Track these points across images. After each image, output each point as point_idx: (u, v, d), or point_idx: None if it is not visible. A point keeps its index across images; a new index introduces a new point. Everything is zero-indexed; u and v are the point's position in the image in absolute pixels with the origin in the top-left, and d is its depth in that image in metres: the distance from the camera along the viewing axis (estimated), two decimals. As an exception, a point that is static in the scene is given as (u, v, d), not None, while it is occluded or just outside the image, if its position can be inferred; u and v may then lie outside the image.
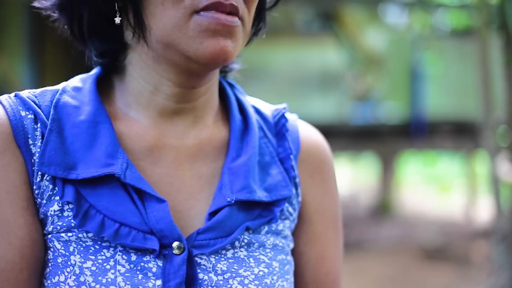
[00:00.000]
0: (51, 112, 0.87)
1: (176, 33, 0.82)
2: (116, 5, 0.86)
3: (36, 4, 0.92)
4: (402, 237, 7.68)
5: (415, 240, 7.39)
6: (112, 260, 0.83)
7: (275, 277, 0.89)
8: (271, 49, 8.18)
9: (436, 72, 8.81)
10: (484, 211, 8.10)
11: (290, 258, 0.94)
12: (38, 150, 0.85)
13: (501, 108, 4.93)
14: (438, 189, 12.25)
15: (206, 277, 0.85)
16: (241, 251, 0.88)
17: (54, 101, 0.88)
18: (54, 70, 7.28)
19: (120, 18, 0.86)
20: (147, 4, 0.83)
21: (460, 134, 8.62)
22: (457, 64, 8.69)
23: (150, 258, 0.84)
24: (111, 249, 0.83)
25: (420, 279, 5.99)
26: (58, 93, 0.90)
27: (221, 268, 0.86)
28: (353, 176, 12.27)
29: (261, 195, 0.90)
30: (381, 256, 6.77)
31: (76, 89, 0.91)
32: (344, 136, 8.09)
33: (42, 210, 0.85)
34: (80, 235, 0.83)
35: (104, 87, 0.93)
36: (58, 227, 0.84)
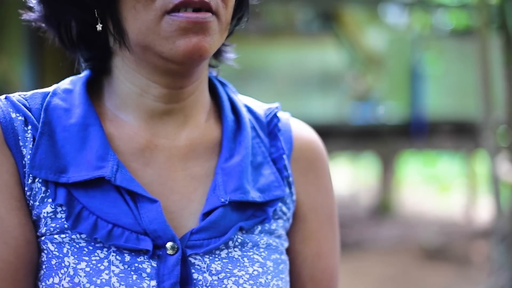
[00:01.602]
0: (42, 115, 0.87)
1: (150, 35, 0.83)
2: (96, 13, 0.86)
3: (25, 17, 0.93)
4: (402, 237, 7.68)
5: (415, 240, 7.39)
6: (106, 260, 0.83)
7: (269, 277, 0.89)
8: (271, 49, 8.18)
9: (436, 72, 8.81)
10: (484, 211, 8.09)
11: (284, 257, 0.94)
12: (30, 152, 0.85)
13: (501, 108, 4.93)
14: (438, 189, 12.25)
15: (200, 277, 0.85)
16: (235, 251, 0.89)
17: (44, 104, 0.88)
18: (54, 70, 7.27)
19: (101, 25, 0.87)
20: (122, 10, 0.84)
21: (460, 134, 8.62)
22: (457, 64, 8.69)
23: (144, 259, 0.84)
24: (105, 249, 0.83)
25: (420, 279, 5.99)
26: (49, 96, 0.90)
27: (215, 268, 0.86)
28: (353, 176, 12.26)
29: (254, 195, 0.90)
30: (381, 256, 6.77)
31: (67, 91, 0.91)
32: (344, 136, 8.09)
33: (35, 212, 0.85)
34: (73, 236, 0.84)
35: (94, 89, 0.94)
36: (52, 228, 0.84)
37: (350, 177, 12.19)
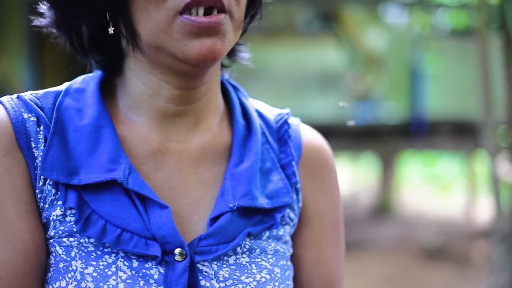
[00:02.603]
0: (54, 115, 0.86)
1: (162, 36, 0.82)
2: (107, 16, 0.86)
3: (36, 23, 0.93)
4: (402, 237, 7.67)
5: (415, 240, 7.39)
6: (113, 266, 0.82)
7: (276, 283, 0.89)
8: (271, 49, 8.17)
9: (436, 72, 8.80)
10: (484, 211, 8.09)
11: (290, 263, 0.94)
12: (41, 153, 0.84)
13: (501, 108, 4.93)
14: (438, 189, 12.24)
15: (208, 284, 0.85)
16: (243, 257, 0.88)
17: (57, 104, 0.88)
18: (54, 70, 7.28)
19: (113, 28, 0.86)
20: (134, 11, 0.83)
21: (460, 134, 8.61)
22: (457, 64, 8.68)
23: (152, 265, 0.83)
24: (113, 255, 0.83)
25: (420, 279, 5.99)
26: (61, 95, 0.89)
27: (223, 275, 0.86)
28: (353, 176, 12.26)
29: (262, 201, 0.89)
30: (381, 256, 6.77)
31: (79, 90, 0.91)
32: (344, 136, 8.08)
33: (45, 215, 0.84)
34: (82, 240, 0.83)
35: (107, 89, 0.93)
36: (60, 232, 0.84)
37: (350, 177, 12.18)
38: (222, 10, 0.82)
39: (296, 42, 8.59)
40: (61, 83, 0.93)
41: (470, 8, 8.23)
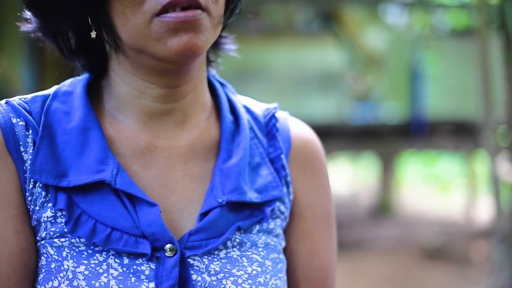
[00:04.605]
0: (42, 119, 0.88)
1: (142, 38, 0.83)
2: (89, 21, 0.87)
3: (23, 28, 0.94)
4: (402, 237, 7.68)
5: (415, 240, 7.39)
6: (104, 264, 0.83)
7: (268, 276, 0.90)
8: (271, 49, 8.18)
9: (436, 72, 8.80)
10: (484, 211, 8.10)
11: (282, 256, 0.95)
12: (30, 157, 0.86)
13: (501, 108, 4.93)
14: (438, 189, 12.25)
15: (199, 278, 0.86)
16: (233, 251, 0.89)
17: (45, 108, 0.89)
18: (54, 70, 7.27)
19: (95, 33, 0.87)
20: (113, 16, 0.84)
21: (460, 134, 8.62)
22: (457, 64, 8.69)
23: (143, 261, 0.84)
24: (104, 253, 0.84)
25: (420, 279, 5.99)
26: (49, 99, 0.90)
27: (214, 268, 0.87)
28: (353, 176, 12.26)
29: (252, 196, 0.90)
30: (381, 256, 6.77)
31: (67, 93, 0.92)
32: (344, 136, 8.09)
33: (35, 217, 0.85)
34: (73, 240, 0.84)
35: (93, 91, 0.94)
36: (51, 233, 0.85)
37: (350, 177, 12.18)
38: (199, 8, 0.83)
39: (296, 42, 8.60)
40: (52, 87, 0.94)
41: (470, 8, 8.24)
